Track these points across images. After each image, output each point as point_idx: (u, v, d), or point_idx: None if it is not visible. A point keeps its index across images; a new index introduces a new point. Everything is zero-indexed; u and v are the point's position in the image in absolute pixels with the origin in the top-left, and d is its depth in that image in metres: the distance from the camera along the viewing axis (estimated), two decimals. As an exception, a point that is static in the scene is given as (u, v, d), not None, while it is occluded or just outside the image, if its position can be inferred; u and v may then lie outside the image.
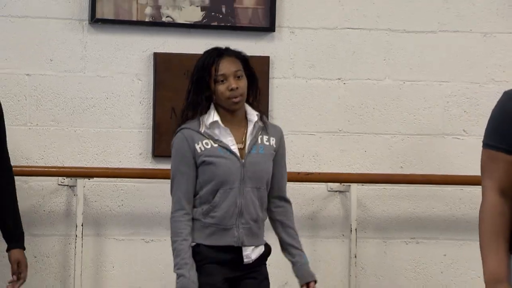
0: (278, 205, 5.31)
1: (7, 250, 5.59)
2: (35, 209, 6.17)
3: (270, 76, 6.29)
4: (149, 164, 6.31)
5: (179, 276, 5.16)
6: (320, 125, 6.41)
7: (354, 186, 6.32)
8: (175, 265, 5.21)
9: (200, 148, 5.09)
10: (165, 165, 5.95)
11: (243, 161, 5.11)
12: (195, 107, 5.15)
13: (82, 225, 6.07)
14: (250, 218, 5.13)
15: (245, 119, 5.21)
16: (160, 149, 6.28)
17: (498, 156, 3.83)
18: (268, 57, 6.28)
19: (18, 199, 5.78)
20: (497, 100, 3.97)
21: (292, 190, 5.80)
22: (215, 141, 5.10)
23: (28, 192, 6.13)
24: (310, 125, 6.40)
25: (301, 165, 6.24)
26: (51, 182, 6.20)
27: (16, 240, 5.60)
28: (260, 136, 5.20)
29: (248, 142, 5.17)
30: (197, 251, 5.19)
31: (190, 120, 5.18)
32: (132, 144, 6.34)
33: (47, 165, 6.19)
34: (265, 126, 5.23)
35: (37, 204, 6.18)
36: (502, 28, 6.62)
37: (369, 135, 6.47)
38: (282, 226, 5.33)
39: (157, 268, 6.19)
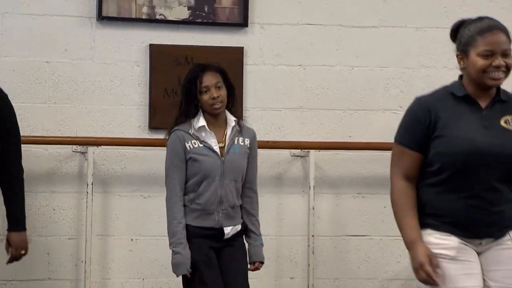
0: (247, 195, 5.51)
1: (10, 231, 5.47)
2: (53, 171, 6.29)
3: (244, 63, 6.40)
4: (146, 134, 6.41)
5: (175, 253, 5.34)
6: (284, 103, 6.52)
7: (312, 152, 6.45)
8: (171, 244, 5.37)
9: (189, 146, 5.30)
10: (159, 135, 6.14)
11: (223, 158, 5.30)
12: (187, 114, 5.37)
13: (92, 184, 6.20)
14: (228, 205, 5.35)
15: (225, 122, 5.39)
16: (155, 122, 6.42)
17: (406, 151, 4.12)
18: (242, 48, 6.39)
19: (43, 167, 6.14)
20: (433, 82, 4.34)
21: (262, 155, 5.88)
22: (201, 141, 5.32)
23: (48, 157, 6.26)
24: (276, 102, 6.50)
25: (269, 135, 6.33)
26: (66, 149, 6.29)
27: (22, 223, 5.52)
28: (236, 138, 5.41)
29: (227, 143, 5.35)
30: (186, 229, 5.35)
31: (180, 125, 5.38)
32: (132, 118, 6.44)
33: (63, 136, 6.29)
34: (241, 129, 5.43)
35: (55, 167, 6.30)
36: (431, 24, 6.66)
37: (324, 111, 6.56)
38: (247, 214, 5.53)
39: (153, 218, 6.25)
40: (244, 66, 6.40)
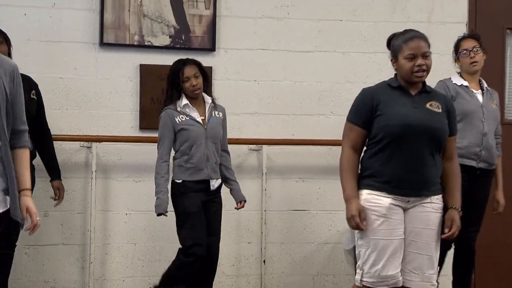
0: (223, 155, 5.74)
1: (52, 180, 5.84)
2: (65, 161, 6.29)
3: (213, 79, 6.38)
4: (137, 133, 6.44)
5: (157, 198, 5.51)
6: (243, 109, 6.59)
7: (264, 147, 6.55)
8: (156, 192, 5.53)
9: (178, 120, 5.51)
10: (148, 134, 6.30)
11: (205, 127, 5.53)
12: (172, 98, 5.59)
13: (95, 172, 6.29)
14: (213, 162, 5.58)
15: (203, 101, 5.61)
16: (144, 124, 6.43)
17: (354, 128, 4.33)
18: (211, 67, 6.41)
19: (59, 159, 5.97)
20: (355, 93, 4.45)
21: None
22: (187, 115, 5.55)
23: (61, 151, 6.24)
24: (237, 109, 6.52)
25: (231, 134, 6.19)
26: (76, 144, 6.35)
27: (58, 173, 5.86)
28: (213, 112, 5.57)
29: (207, 116, 5.55)
30: (183, 185, 5.57)
31: (169, 105, 5.57)
32: (126, 121, 6.48)
33: (73, 134, 6.35)
34: (215, 105, 5.61)
35: (67, 158, 6.33)
36: (353, 49, 6.69)
37: (273, 115, 6.63)
38: (225, 167, 5.74)
39: (143, 198, 6.30)
40: (213, 81, 6.37)
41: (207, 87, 5.82)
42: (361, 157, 4.40)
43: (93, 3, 6.44)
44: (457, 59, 5.81)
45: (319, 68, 6.51)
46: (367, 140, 4.36)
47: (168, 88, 5.71)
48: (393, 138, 4.22)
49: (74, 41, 6.46)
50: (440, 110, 4.33)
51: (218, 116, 5.76)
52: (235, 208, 5.82)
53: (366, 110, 4.31)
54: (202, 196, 5.62)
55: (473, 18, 6.90)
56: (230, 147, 6.09)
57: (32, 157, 5.45)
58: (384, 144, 4.25)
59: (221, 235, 5.81)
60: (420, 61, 4.26)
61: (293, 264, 6.70)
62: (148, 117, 6.44)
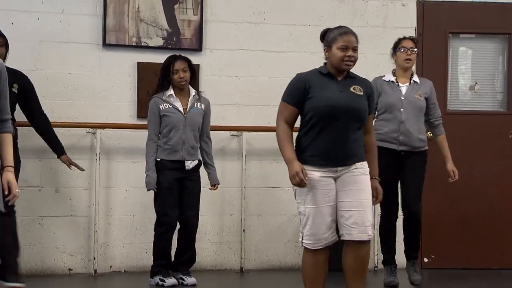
0: (204, 141, 5.80)
1: (58, 157, 5.86)
2: (74, 145, 6.30)
3: (200, 74, 6.35)
4: (135, 121, 6.44)
5: (147, 176, 5.63)
6: (226, 101, 6.54)
7: (244, 133, 6.54)
8: (146, 169, 5.66)
9: (162, 107, 5.61)
10: (144, 122, 6.12)
11: (185, 115, 5.59)
12: (162, 87, 5.67)
13: (99, 154, 6.28)
14: (188, 146, 5.64)
15: (188, 93, 5.68)
16: (140, 113, 6.39)
17: (287, 106, 4.31)
18: (198, 65, 6.37)
19: (67, 142, 6.09)
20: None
21: (211, 135, 5.99)
22: (170, 104, 5.63)
23: (70, 136, 6.27)
24: (220, 100, 6.44)
25: (216, 122, 6.21)
26: (82, 131, 6.35)
27: (61, 149, 5.86)
28: (196, 103, 5.63)
29: (188, 106, 5.61)
30: (161, 163, 5.66)
31: (157, 94, 5.66)
32: (126, 110, 6.48)
33: (80, 122, 6.33)
34: (199, 98, 5.65)
35: (75, 142, 6.33)
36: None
37: (252, 106, 6.58)
38: (205, 153, 5.81)
39: (139, 177, 6.05)
40: (200, 77, 6.36)
41: (194, 82, 5.84)
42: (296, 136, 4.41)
43: (97, 10, 6.45)
44: (394, 54, 5.87)
45: (290, 66, 6.27)
46: (300, 119, 4.35)
47: (160, 78, 5.76)
48: (321, 117, 4.22)
49: (81, 42, 6.47)
50: (361, 93, 4.33)
51: (200, 107, 5.79)
52: (209, 189, 5.91)
53: (298, 92, 4.30)
54: (177, 174, 5.67)
55: (420, 23, 6.91)
56: (215, 134, 6.09)
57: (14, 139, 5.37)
58: (313, 122, 4.25)
59: (208, 208, 5.90)
60: (350, 52, 4.27)
61: (268, 232, 6.72)
62: (144, 107, 6.32)
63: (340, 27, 4.41)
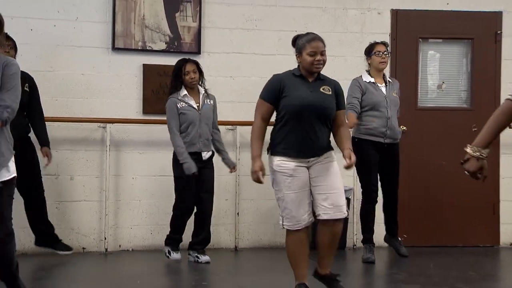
0: (215, 132, 5.80)
1: (42, 147, 5.74)
2: (86, 138, 6.34)
3: (203, 73, 5.90)
4: (141, 116, 6.42)
5: (185, 163, 5.51)
6: (222, 98, 6.31)
7: (238, 127, 6.50)
8: (181, 160, 5.53)
9: (179, 106, 5.60)
10: (149, 117, 6.33)
11: (199, 112, 5.60)
12: (175, 88, 5.64)
13: (109, 146, 6.29)
14: (204, 138, 5.65)
15: (198, 92, 5.68)
16: (146, 110, 6.40)
17: (264, 103, 4.33)
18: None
19: (80, 135, 6.24)
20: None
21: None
22: (186, 103, 5.62)
23: (83, 130, 6.31)
24: (217, 98, 6.04)
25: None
26: (94, 125, 6.34)
27: (45, 142, 5.76)
28: (205, 100, 5.64)
29: (200, 103, 5.62)
30: None
31: (173, 94, 5.62)
32: (133, 107, 6.45)
33: (92, 117, 6.33)
34: (207, 95, 5.66)
35: (88, 136, 6.36)
36: None
37: (245, 103, 6.22)
38: (217, 141, 5.81)
39: (144, 166, 6.32)
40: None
41: (202, 82, 5.86)
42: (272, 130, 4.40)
43: (106, 17, 6.45)
44: (369, 57, 5.90)
45: (279, 67, 5.91)
46: (276, 115, 4.34)
47: (172, 79, 5.75)
48: (294, 114, 4.23)
49: (92, 46, 6.45)
50: (330, 93, 4.32)
51: (209, 103, 5.82)
52: (229, 172, 5.89)
53: (274, 91, 4.30)
54: (197, 163, 5.64)
55: (394, 30, 6.92)
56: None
57: (27, 133, 5.72)
58: (286, 119, 4.25)
59: (213, 193, 5.86)
60: (319, 57, 4.27)
61: (260, 215, 6.70)
62: (149, 104, 6.46)
63: (308, 33, 4.39)
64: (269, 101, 4.33)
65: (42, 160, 5.82)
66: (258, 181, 4.23)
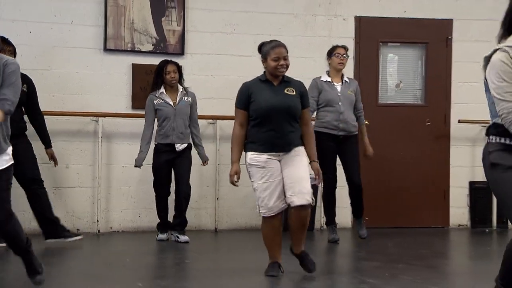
0: (193, 126, 5.79)
1: (45, 149, 5.69)
2: (80, 130, 6.32)
3: (182, 74, 5.93)
4: (130, 111, 6.39)
5: (138, 156, 5.64)
6: (204, 95, 6.33)
7: (218, 121, 6.49)
8: (139, 151, 5.63)
9: (156, 102, 5.60)
10: (137, 112, 6.25)
11: (175, 108, 5.59)
12: (156, 85, 5.65)
13: (101, 137, 6.27)
14: (178, 132, 5.63)
15: (177, 90, 5.66)
16: (134, 105, 6.37)
17: (239, 111, 4.36)
18: (181, 66, 6.04)
19: (75, 128, 6.20)
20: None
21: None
22: (163, 100, 5.62)
23: (78, 123, 6.29)
24: (200, 95, 6.10)
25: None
26: (87, 119, 6.32)
27: (48, 143, 5.72)
28: (183, 97, 5.62)
29: (177, 100, 5.60)
30: (157, 146, 5.66)
31: (153, 91, 5.63)
32: (122, 102, 6.43)
33: (86, 111, 6.30)
34: (186, 93, 5.63)
35: (82, 128, 6.34)
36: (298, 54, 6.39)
37: (224, 99, 6.19)
38: (195, 136, 5.80)
39: (133, 156, 5.90)
40: (183, 75, 6.00)
41: (181, 80, 5.85)
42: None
43: (99, 21, 6.44)
44: (329, 58, 5.92)
45: (255, 67, 5.94)
46: (249, 118, 4.34)
47: (155, 78, 5.74)
48: (262, 116, 4.25)
49: (86, 47, 6.42)
50: (294, 93, 4.32)
51: (187, 100, 5.81)
52: (201, 165, 5.91)
53: (244, 98, 4.32)
54: (170, 155, 5.69)
55: (357, 34, 6.93)
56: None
57: (24, 130, 5.51)
58: (257, 120, 4.28)
59: (190, 182, 5.80)
60: (282, 61, 4.27)
61: (238, 200, 6.64)
62: (137, 100, 6.41)
63: (272, 41, 4.40)
64: (242, 108, 4.36)
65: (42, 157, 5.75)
66: (233, 184, 4.27)
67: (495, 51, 2.79)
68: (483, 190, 6.86)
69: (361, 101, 6.00)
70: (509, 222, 5.94)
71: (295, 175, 4.26)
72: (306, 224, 4.37)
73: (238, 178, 4.25)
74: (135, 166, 5.71)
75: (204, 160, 5.93)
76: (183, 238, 5.78)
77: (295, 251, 4.46)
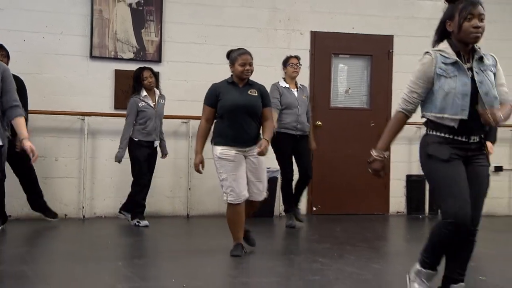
0: (161, 123, 5.67)
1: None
2: (68, 128, 6.24)
3: (160, 79, 6.06)
4: (113, 111, 6.31)
5: (118, 152, 5.53)
6: (178, 97, 6.28)
7: (191, 120, 6.32)
8: (119, 147, 5.54)
9: (140, 104, 5.53)
10: (119, 112, 6.16)
11: (155, 109, 5.55)
12: (136, 90, 5.57)
13: (87, 134, 6.20)
14: (157, 131, 5.62)
15: (155, 93, 5.61)
16: (117, 105, 6.30)
17: (207, 108, 4.32)
18: (159, 72, 6.13)
19: (63, 126, 6.11)
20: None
21: (168, 122, 6.05)
22: (145, 102, 5.56)
23: (67, 121, 6.20)
24: (174, 97, 6.20)
25: (171, 112, 6.09)
26: (75, 117, 6.25)
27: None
28: (160, 99, 5.58)
29: (156, 102, 5.57)
30: (138, 142, 5.56)
31: (136, 95, 5.55)
32: (106, 103, 6.35)
33: (73, 111, 6.22)
34: (161, 95, 5.60)
35: (70, 126, 6.25)
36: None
37: (196, 102, 5.57)
38: (160, 132, 5.69)
39: (115, 151, 5.72)
40: (160, 81, 6.08)
41: (157, 85, 5.81)
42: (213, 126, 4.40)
43: (86, 32, 6.37)
44: (285, 67, 5.90)
45: (223, 74, 5.86)
46: (216, 115, 4.32)
47: (134, 84, 5.69)
48: (228, 113, 4.25)
49: (74, 54, 6.36)
50: (256, 94, 4.32)
51: (162, 102, 5.80)
52: (161, 158, 5.81)
53: (213, 97, 4.31)
54: (148, 150, 5.67)
55: (313, 47, 6.93)
56: (170, 121, 6.15)
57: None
58: (224, 118, 4.27)
59: (165, 173, 5.84)
60: (247, 67, 4.28)
61: (207, 189, 6.57)
62: (119, 101, 6.36)
63: (239, 49, 4.40)
64: (210, 105, 4.35)
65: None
66: (198, 171, 4.27)
67: (425, 53, 2.92)
68: (418, 182, 6.94)
69: (314, 105, 6.04)
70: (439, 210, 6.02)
71: (256, 176, 4.34)
72: (255, 210, 4.54)
73: (203, 167, 4.24)
74: (116, 161, 5.65)
75: (165, 153, 5.87)
76: (144, 222, 5.71)
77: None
